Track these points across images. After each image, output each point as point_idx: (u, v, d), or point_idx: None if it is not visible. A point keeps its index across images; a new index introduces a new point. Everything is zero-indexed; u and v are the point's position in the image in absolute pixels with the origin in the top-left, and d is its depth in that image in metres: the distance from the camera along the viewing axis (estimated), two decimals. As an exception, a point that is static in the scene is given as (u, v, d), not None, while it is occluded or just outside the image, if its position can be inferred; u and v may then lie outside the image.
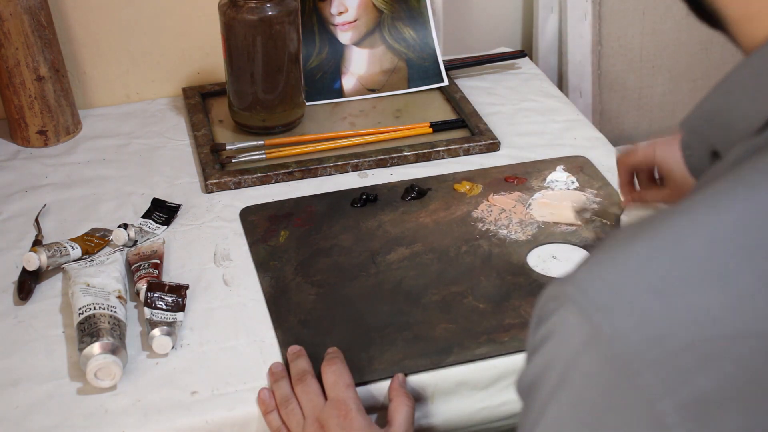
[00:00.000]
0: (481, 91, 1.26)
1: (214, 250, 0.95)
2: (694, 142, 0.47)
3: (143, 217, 0.98)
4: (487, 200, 1.00)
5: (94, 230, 0.96)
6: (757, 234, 0.36)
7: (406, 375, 0.78)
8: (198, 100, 1.21)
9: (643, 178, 0.90)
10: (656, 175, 0.90)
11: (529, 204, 1.00)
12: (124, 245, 0.94)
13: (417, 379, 0.79)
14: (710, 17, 0.46)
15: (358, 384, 0.77)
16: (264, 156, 1.09)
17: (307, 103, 1.18)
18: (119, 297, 0.83)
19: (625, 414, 0.36)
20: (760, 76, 0.41)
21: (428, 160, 1.10)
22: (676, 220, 0.38)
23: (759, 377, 0.34)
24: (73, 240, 0.92)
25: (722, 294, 0.35)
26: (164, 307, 0.82)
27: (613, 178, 1.01)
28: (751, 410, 0.34)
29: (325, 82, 1.22)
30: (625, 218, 0.94)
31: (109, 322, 0.79)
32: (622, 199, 0.96)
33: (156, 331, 0.80)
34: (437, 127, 1.15)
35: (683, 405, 0.35)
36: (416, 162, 1.09)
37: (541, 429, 0.40)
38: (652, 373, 0.35)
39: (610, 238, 0.40)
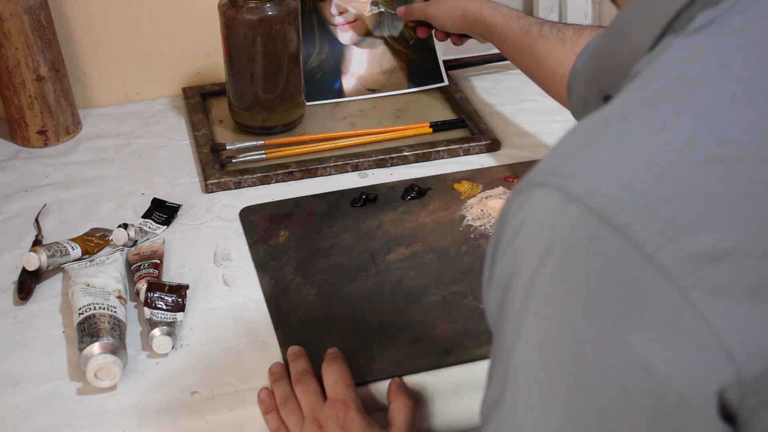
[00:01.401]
0: (481, 91, 1.26)
1: (214, 250, 0.95)
2: (589, 93, 0.51)
3: (143, 217, 0.98)
4: (484, 206, 1.00)
5: (94, 230, 0.96)
6: (687, 92, 0.41)
7: (401, 377, 0.78)
8: (198, 100, 1.21)
9: None
10: None
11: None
12: (124, 245, 0.94)
13: (417, 380, 0.79)
14: None
15: (358, 384, 0.77)
16: (264, 156, 1.09)
17: (307, 103, 1.18)
18: (119, 297, 0.83)
19: (611, 254, 0.39)
20: (641, 9, 0.46)
21: (428, 160, 1.10)
22: (612, 106, 0.43)
23: (719, 196, 0.38)
24: (73, 240, 0.92)
25: (673, 137, 0.40)
26: (164, 307, 0.82)
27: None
28: (718, 226, 0.38)
29: (325, 82, 1.22)
30: None
31: (109, 322, 0.79)
32: None
33: (156, 331, 0.80)
34: (437, 127, 1.15)
35: (660, 231, 0.38)
36: (416, 162, 1.09)
37: (533, 302, 0.41)
38: (627, 212, 0.38)
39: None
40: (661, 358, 0.38)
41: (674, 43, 0.43)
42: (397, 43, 1.24)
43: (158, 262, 0.90)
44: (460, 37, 1.16)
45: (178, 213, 1.00)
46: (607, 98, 0.49)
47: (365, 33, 1.24)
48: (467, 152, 1.11)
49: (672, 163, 0.39)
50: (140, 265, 0.89)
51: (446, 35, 1.16)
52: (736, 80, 0.41)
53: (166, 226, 0.98)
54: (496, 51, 1.34)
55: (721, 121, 0.40)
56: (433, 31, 1.18)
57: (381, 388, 0.78)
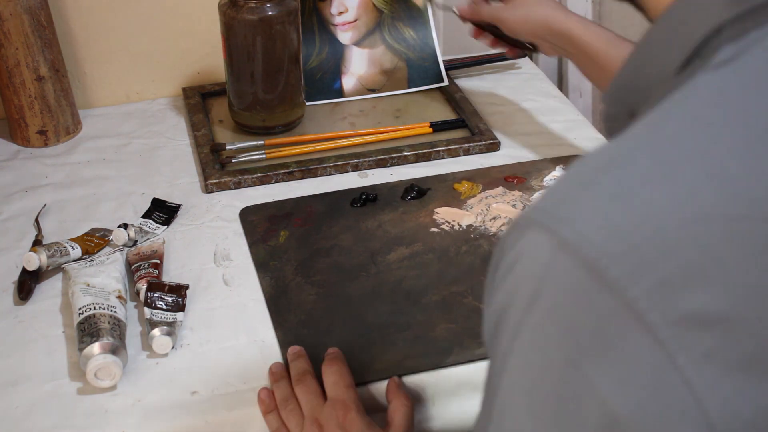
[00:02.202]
0: (481, 91, 1.26)
1: (214, 250, 0.95)
2: (617, 109, 0.50)
3: (143, 217, 0.98)
4: (485, 206, 1.00)
5: (94, 230, 0.96)
6: (695, 139, 0.39)
7: (401, 376, 0.78)
8: (198, 100, 1.21)
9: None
10: None
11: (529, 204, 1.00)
12: (124, 245, 0.94)
13: (417, 380, 0.79)
14: None
15: (358, 384, 0.77)
16: (264, 156, 1.09)
17: (307, 103, 1.18)
18: (119, 297, 0.83)
19: (600, 309, 0.38)
20: (671, 29, 0.45)
21: (428, 160, 1.10)
22: (622, 141, 0.41)
23: (716, 254, 0.37)
24: (73, 240, 0.92)
25: (673, 189, 0.38)
26: (164, 307, 0.82)
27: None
28: (714, 288, 0.37)
29: (325, 82, 1.22)
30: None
31: (109, 322, 0.79)
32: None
33: (156, 331, 0.80)
34: (437, 127, 1.15)
35: (652, 289, 0.37)
36: (416, 162, 1.09)
37: (518, 345, 0.41)
38: (619, 266, 0.37)
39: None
40: (640, 422, 0.37)
41: (698, 76, 0.41)
42: (396, 42, 1.24)
43: (158, 262, 0.90)
44: (514, 47, 1.11)
45: (178, 213, 1.00)
46: (633, 116, 0.47)
47: (365, 33, 1.24)
48: (467, 152, 1.11)
49: (671, 217, 0.37)
50: (140, 265, 0.89)
51: (499, 40, 1.10)
52: (754, 128, 0.39)
53: (166, 226, 0.98)
54: (496, 51, 1.34)
55: (731, 174, 0.38)
56: (485, 33, 1.11)
57: (381, 388, 0.78)
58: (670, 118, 0.41)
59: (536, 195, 1.01)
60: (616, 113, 0.50)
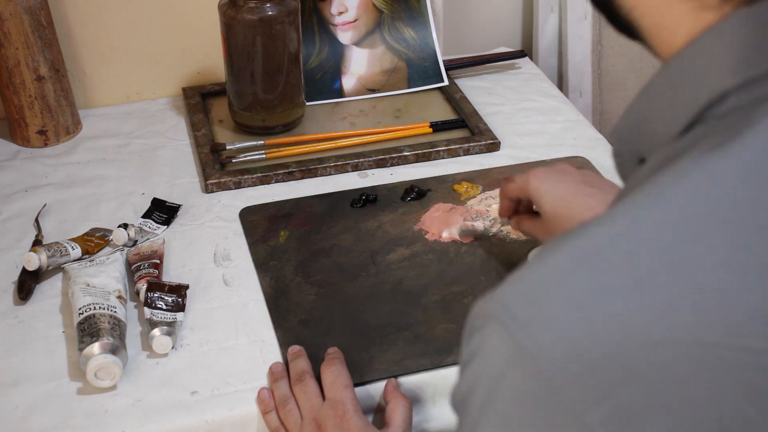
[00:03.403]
0: (481, 91, 1.26)
1: (214, 250, 0.95)
2: (623, 150, 0.47)
3: (143, 217, 0.98)
4: (488, 209, 1.00)
5: (94, 230, 0.96)
6: (674, 242, 0.36)
7: (400, 376, 0.78)
8: (198, 100, 1.21)
9: (523, 208, 0.89)
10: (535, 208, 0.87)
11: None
12: (124, 245, 0.94)
13: (417, 379, 0.79)
14: (628, 29, 0.46)
15: (358, 384, 0.77)
16: (264, 156, 1.09)
17: (307, 103, 1.18)
18: (119, 297, 0.84)
19: (553, 428, 0.36)
20: (675, 85, 0.42)
21: (428, 160, 1.10)
22: (596, 230, 0.38)
23: (683, 384, 0.35)
24: (73, 240, 0.92)
25: (642, 303, 0.35)
26: (164, 307, 0.82)
27: (613, 178, 1.01)
28: (677, 417, 0.35)
29: (325, 82, 1.22)
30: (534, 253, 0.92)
31: (109, 322, 0.79)
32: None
33: (156, 331, 0.80)
34: (437, 127, 1.15)
35: (609, 416, 0.35)
36: (416, 162, 1.09)
37: None
38: (576, 387, 0.35)
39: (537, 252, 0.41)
40: None
41: (692, 156, 0.38)
42: (396, 42, 1.24)
43: (158, 262, 0.90)
44: None
45: (178, 213, 1.00)
46: (642, 161, 0.45)
47: (365, 33, 1.24)
48: (467, 152, 1.11)
49: (638, 337, 0.35)
50: (140, 265, 0.89)
51: None
52: (743, 230, 0.36)
53: (166, 226, 0.98)
54: (495, 51, 1.34)
55: (710, 290, 0.35)
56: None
57: (381, 388, 0.78)
58: (655, 208, 0.38)
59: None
60: (621, 151, 0.48)
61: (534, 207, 0.87)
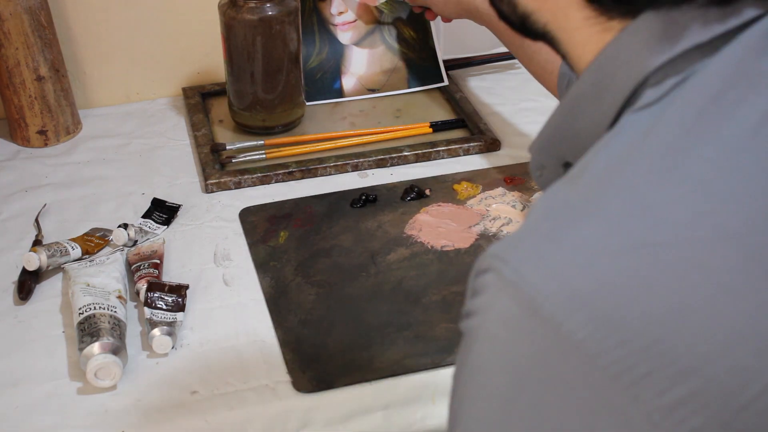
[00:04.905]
0: (481, 91, 1.26)
1: (214, 250, 0.95)
2: (545, 159, 0.52)
3: (143, 217, 0.98)
4: (488, 209, 1.00)
5: (94, 230, 0.96)
6: (623, 172, 0.41)
7: (400, 376, 0.78)
8: (198, 100, 1.21)
9: None
10: None
11: (529, 204, 1.00)
12: (124, 245, 0.94)
13: (418, 379, 0.79)
14: (543, 36, 0.51)
15: (357, 383, 0.77)
16: (264, 156, 1.09)
17: (307, 103, 1.18)
18: (119, 297, 0.84)
19: (539, 343, 0.40)
20: (598, 84, 0.47)
21: (428, 160, 1.10)
22: (560, 186, 0.44)
23: (648, 283, 0.38)
24: (73, 240, 0.92)
25: (600, 222, 0.40)
26: (164, 307, 0.82)
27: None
28: (649, 316, 0.38)
29: (325, 82, 1.22)
30: None
31: (109, 322, 0.79)
32: None
33: (156, 331, 0.80)
34: (437, 127, 1.15)
35: (587, 320, 0.38)
36: (416, 162, 1.09)
37: (471, 369, 0.43)
38: (553, 303, 0.39)
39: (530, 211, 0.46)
40: None
41: (623, 118, 0.44)
42: (397, 42, 1.24)
43: (158, 262, 0.90)
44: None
45: (178, 213, 1.00)
46: (567, 165, 0.51)
47: (365, 33, 1.24)
48: (467, 152, 1.11)
49: (600, 250, 0.40)
50: (140, 265, 0.89)
51: (450, 19, 1.15)
52: (672, 158, 0.41)
53: (166, 226, 0.98)
54: (495, 51, 1.34)
55: (651, 202, 0.40)
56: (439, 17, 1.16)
57: (381, 387, 0.78)
58: (599, 159, 0.43)
59: (535, 195, 1.01)
60: (542, 161, 0.53)
61: None
